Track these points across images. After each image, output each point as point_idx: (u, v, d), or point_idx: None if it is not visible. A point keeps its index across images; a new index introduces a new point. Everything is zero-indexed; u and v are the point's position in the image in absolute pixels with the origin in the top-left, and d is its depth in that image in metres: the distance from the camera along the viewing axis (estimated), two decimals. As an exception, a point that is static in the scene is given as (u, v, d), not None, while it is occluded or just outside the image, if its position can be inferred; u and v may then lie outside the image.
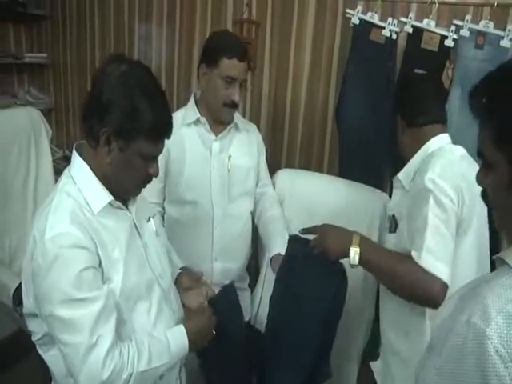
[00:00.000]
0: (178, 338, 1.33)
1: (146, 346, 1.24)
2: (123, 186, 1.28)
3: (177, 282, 1.92)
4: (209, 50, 1.84)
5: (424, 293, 1.31)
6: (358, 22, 2.28)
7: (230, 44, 1.82)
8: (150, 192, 1.86)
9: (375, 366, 1.76)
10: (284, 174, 2.30)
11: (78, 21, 3.37)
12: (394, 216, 1.58)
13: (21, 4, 3.33)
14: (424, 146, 1.50)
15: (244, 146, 2.01)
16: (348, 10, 2.31)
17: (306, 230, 1.61)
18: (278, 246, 1.94)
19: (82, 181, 1.24)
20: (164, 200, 2.00)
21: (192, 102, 1.96)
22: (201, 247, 1.96)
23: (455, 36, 2.10)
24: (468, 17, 2.08)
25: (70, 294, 1.12)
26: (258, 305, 2.16)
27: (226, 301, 1.58)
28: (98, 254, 1.19)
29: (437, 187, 1.35)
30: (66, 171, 1.28)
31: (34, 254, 1.16)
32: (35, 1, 3.45)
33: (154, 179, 1.78)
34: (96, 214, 1.22)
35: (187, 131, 1.91)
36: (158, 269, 1.38)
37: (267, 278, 2.16)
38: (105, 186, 1.25)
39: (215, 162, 1.93)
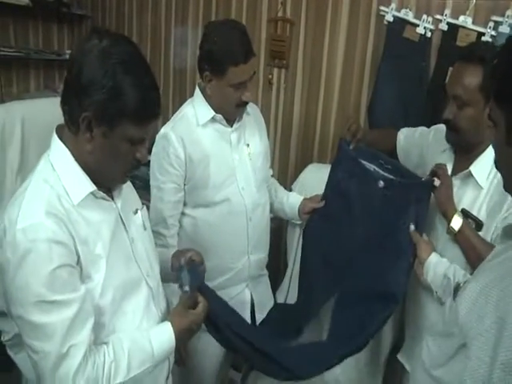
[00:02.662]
0: (163, 341, 1.22)
1: (125, 353, 1.13)
2: (108, 175, 1.18)
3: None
4: (211, 59, 1.72)
5: None
6: (391, 19, 2.25)
7: (233, 50, 1.69)
8: (171, 206, 1.86)
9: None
10: (313, 169, 2.35)
11: (116, 21, 3.48)
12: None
13: (64, 4, 3.47)
14: None
15: (255, 129, 1.98)
16: (382, 8, 2.28)
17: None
18: (297, 196, 2.10)
19: (62, 167, 1.12)
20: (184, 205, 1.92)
21: (200, 97, 1.83)
22: (237, 244, 1.93)
23: (493, 33, 2.03)
24: (509, 12, 2.00)
25: (42, 295, 1.01)
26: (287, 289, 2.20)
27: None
28: (76, 250, 1.07)
29: None
30: (45, 155, 1.16)
31: (2, 246, 1.04)
32: (78, 1, 3.58)
33: (172, 191, 1.83)
34: (76, 204, 1.10)
35: (203, 131, 1.83)
36: (145, 266, 1.28)
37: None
38: (87, 174, 1.13)
39: (236, 154, 1.89)
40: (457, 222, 1.51)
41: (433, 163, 1.69)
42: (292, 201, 2.10)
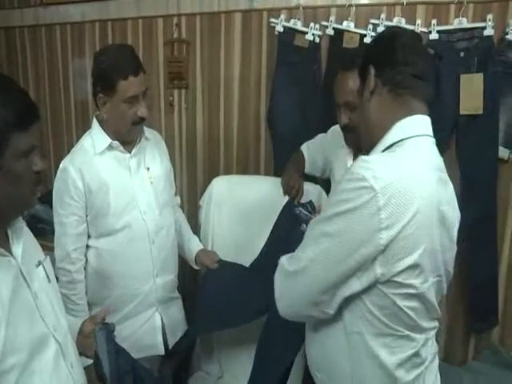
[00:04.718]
0: None
1: None
2: (17, 204, 1.10)
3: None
4: (101, 78, 1.75)
5: None
6: (282, 29, 2.35)
7: (120, 64, 1.72)
8: (75, 239, 1.84)
9: None
10: (219, 181, 2.36)
11: (8, 57, 3.31)
12: None
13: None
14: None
15: (156, 154, 1.99)
16: (272, 20, 2.39)
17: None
18: (197, 243, 2.18)
19: None
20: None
21: (97, 126, 1.85)
22: (142, 268, 1.90)
23: (373, 34, 2.20)
24: (383, 15, 2.20)
25: None
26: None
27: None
28: None
29: None
30: None
31: None
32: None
33: (74, 224, 1.80)
34: None
35: (101, 159, 1.83)
36: (51, 320, 1.19)
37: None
38: None
39: (137, 179, 1.89)
40: None
41: (335, 159, 1.82)
42: (191, 247, 2.17)
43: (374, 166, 1.03)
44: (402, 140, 1.12)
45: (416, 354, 1.14)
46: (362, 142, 1.28)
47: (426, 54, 1.22)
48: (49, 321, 1.17)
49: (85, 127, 2.95)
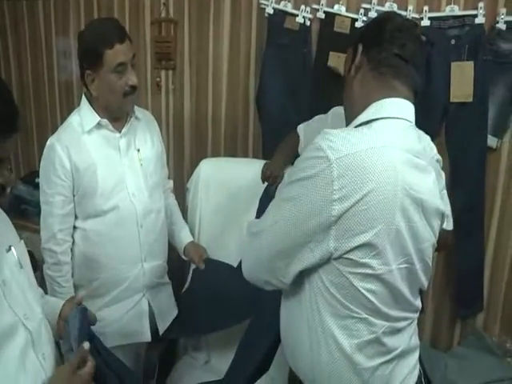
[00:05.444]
0: None
1: None
2: None
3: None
4: (87, 52, 1.71)
5: None
6: (272, 11, 2.32)
7: (103, 33, 1.69)
8: (61, 220, 1.80)
9: None
10: (207, 164, 2.34)
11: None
12: None
13: None
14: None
15: (147, 135, 1.96)
16: (262, 1, 2.34)
17: None
18: (187, 235, 2.18)
19: None
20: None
21: (86, 104, 1.81)
22: (129, 251, 1.87)
23: (365, 18, 2.18)
24: (374, 0, 2.17)
25: None
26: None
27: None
28: None
29: None
30: None
31: None
32: None
33: (60, 203, 1.77)
34: None
35: (89, 138, 1.79)
36: (22, 309, 1.13)
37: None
38: None
39: (126, 160, 1.85)
40: None
41: None
42: (181, 237, 2.17)
43: (333, 138, 1.03)
44: (373, 120, 1.12)
45: (377, 341, 1.12)
46: (345, 118, 1.28)
47: (416, 40, 1.21)
48: (18, 309, 1.12)
49: (69, 107, 2.93)
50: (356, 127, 1.14)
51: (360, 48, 1.21)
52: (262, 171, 2.01)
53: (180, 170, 2.75)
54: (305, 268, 1.10)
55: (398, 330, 1.17)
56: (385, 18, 1.23)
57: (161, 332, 2.01)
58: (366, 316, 1.10)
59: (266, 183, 2.00)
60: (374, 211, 1.01)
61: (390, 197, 1.02)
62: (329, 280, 1.09)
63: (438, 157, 1.42)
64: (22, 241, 1.25)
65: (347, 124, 1.24)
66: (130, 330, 1.91)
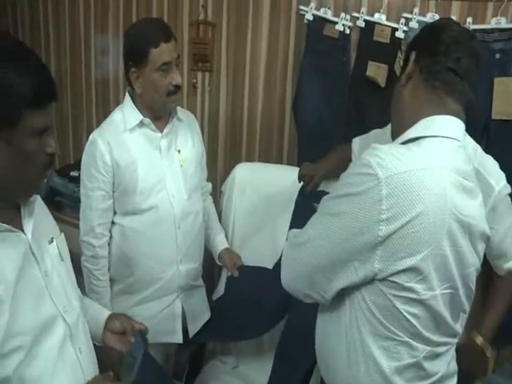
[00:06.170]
0: None
1: None
2: (22, 185, 1.05)
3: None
4: (133, 50, 1.74)
5: None
6: (311, 18, 2.31)
7: (150, 32, 1.72)
8: (100, 214, 1.83)
9: None
10: (243, 167, 2.37)
11: (31, 33, 3.30)
12: None
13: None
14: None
15: (188, 136, 1.97)
16: (302, 7, 2.34)
17: None
18: (223, 241, 2.20)
19: None
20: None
21: (129, 102, 1.83)
22: (165, 252, 1.89)
23: (405, 28, 2.16)
24: (416, 10, 2.15)
25: None
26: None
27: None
28: None
29: None
30: None
31: None
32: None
33: (100, 198, 1.80)
34: None
35: (131, 136, 1.81)
36: (62, 301, 1.14)
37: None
38: None
39: (166, 160, 1.87)
40: None
41: None
42: (216, 242, 2.19)
43: (383, 155, 1.00)
44: (422, 137, 1.08)
45: (417, 365, 1.10)
46: (391, 130, 1.24)
47: (473, 55, 1.15)
48: (58, 301, 1.13)
49: (104, 104, 2.98)
50: (403, 143, 1.11)
51: (412, 56, 1.16)
52: (300, 169, 2.00)
53: (213, 172, 2.76)
54: (347, 286, 1.08)
55: (438, 355, 1.15)
56: (441, 26, 1.18)
57: (191, 334, 2.03)
58: (408, 339, 1.08)
59: (301, 184, 2.01)
60: (422, 235, 0.99)
61: (438, 220, 1.00)
62: (371, 300, 1.07)
63: (508, 189, 1.39)
64: (63, 233, 1.27)
65: (393, 135, 1.21)
66: (162, 329, 1.93)
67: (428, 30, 1.22)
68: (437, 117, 1.10)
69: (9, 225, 1.03)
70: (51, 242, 1.18)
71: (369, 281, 1.05)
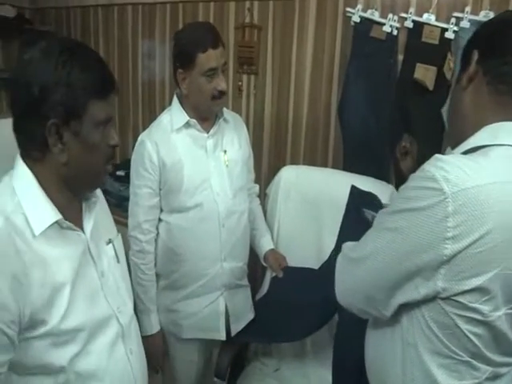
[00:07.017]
0: None
1: None
2: (89, 176, 1.10)
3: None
4: (181, 53, 1.77)
5: None
6: (358, 19, 2.29)
7: (198, 37, 1.74)
8: (147, 211, 1.88)
9: None
10: (289, 170, 2.37)
11: (82, 37, 3.42)
12: None
13: (27, 20, 3.40)
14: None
15: (235, 137, 1.99)
16: (348, 9, 2.33)
17: None
18: (268, 242, 2.22)
19: (25, 193, 1.02)
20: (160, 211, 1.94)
21: (177, 104, 1.88)
22: (209, 249, 1.92)
23: (455, 28, 2.10)
24: (468, 8, 2.08)
25: None
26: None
27: None
28: (19, 312, 0.95)
29: None
30: (4, 179, 1.06)
31: None
32: (41, 17, 3.53)
33: (146, 196, 1.85)
34: (37, 235, 0.99)
35: (178, 136, 1.85)
36: (116, 302, 1.18)
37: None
38: (66, 189, 1.07)
39: (212, 160, 1.89)
40: None
41: None
42: (262, 243, 2.21)
43: (448, 167, 0.92)
44: (488, 146, 0.99)
45: None
46: (448, 136, 1.18)
47: None
48: (113, 302, 1.16)
49: (150, 107, 3.04)
50: (465, 152, 1.02)
51: (475, 56, 1.04)
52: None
53: (258, 174, 2.77)
54: (406, 303, 1.03)
55: (499, 376, 1.08)
56: (507, 20, 1.05)
57: (233, 333, 2.04)
58: (469, 359, 1.02)
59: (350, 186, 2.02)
60: (491, 254, 0.92)
61: (508, 239, 0.93)
62: (431, 317, 1.01)
63: None
64: (120, 235, 1.29)
65: (451, 142, 1.13)
66: (205, 325, 1.96)
67: (493, 24, 1.08)
68: (505, 123, 1.00)
69: (71, 223, 1.08)
70: (109, 243, 1.22)
71: (430, 298, 0.98)
